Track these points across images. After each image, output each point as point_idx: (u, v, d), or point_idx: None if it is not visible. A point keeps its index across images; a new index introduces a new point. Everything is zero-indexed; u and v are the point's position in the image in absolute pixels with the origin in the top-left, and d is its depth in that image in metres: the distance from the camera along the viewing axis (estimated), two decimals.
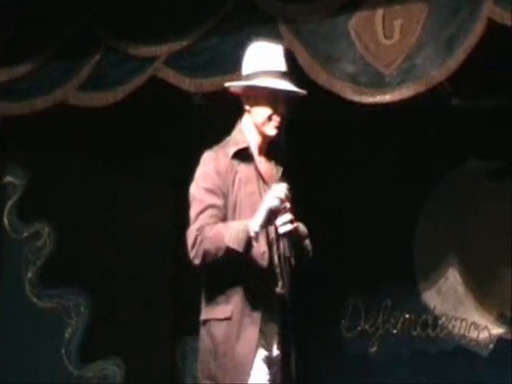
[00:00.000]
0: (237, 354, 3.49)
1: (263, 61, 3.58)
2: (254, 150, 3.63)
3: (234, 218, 3.53)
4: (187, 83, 5.25)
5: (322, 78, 4.98)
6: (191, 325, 6.45)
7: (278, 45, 3.67)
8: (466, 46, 4.69)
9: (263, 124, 3.59)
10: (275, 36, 5.01)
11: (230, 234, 3.43)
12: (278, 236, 3.55)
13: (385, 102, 4.92)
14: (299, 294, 3.67)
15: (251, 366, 3.49)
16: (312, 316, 6.08)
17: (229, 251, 3.43)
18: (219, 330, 3.53)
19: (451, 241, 6.15)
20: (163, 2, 5.25)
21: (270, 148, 3.66)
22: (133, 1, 5.31)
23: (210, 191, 3.54)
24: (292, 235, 3.54)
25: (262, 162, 3.64)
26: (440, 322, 6.22)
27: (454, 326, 6.20)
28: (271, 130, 3.59)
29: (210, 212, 3.52)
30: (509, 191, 6.07)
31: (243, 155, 3.60)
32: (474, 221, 6.13)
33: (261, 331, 3.51)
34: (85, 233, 6.27)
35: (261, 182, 3.60)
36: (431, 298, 6.25)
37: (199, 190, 3.56)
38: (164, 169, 6.31)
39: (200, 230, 3.47)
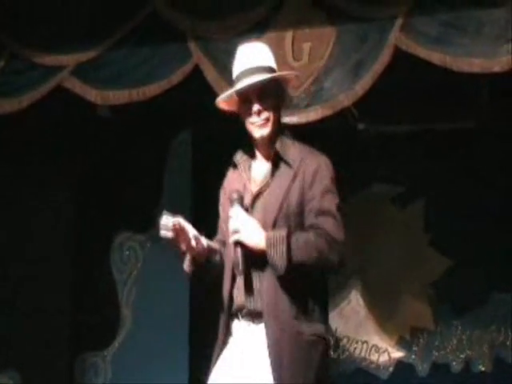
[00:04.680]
0: None
1: (235, 67, 3.40)
2: (260, 160, 3.39)
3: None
4: (94, 95, 5.18)
5: None
6: (91, 340, 6.43)
7: (254, 42, 3.47)
8: (374, 71, 4.73)
9: (250, 129, 3.36)
10: (184, 52, 5.00)
11: None
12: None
13: (292, 123, 4.90)
14: None
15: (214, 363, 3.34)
16: None
17: None
18: None
19: (354, 263, 6.16)
20: (71, 11, 5.17)
21: (274, 155, 3.34)
22: (40, 9, 5.20)
23: (220, 210, 3.49)
24: (243, 247, 3.22)
25: (261, 172, 3.38)
26: (341, 344, 6.24)
27: (355, 349, 6.24)
28: (256, 132, 3.34)
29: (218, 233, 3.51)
30: (411, 216, 6.14)
31: (239, 167, 3.42)
32: (376, 244, 6.18)
33: (227, 333, 3.34)
34: None
35: (249, 195, 3.33)
36: (333, 320, 6.23)
37: None
38: (66, 175, 6.23)
39: None
